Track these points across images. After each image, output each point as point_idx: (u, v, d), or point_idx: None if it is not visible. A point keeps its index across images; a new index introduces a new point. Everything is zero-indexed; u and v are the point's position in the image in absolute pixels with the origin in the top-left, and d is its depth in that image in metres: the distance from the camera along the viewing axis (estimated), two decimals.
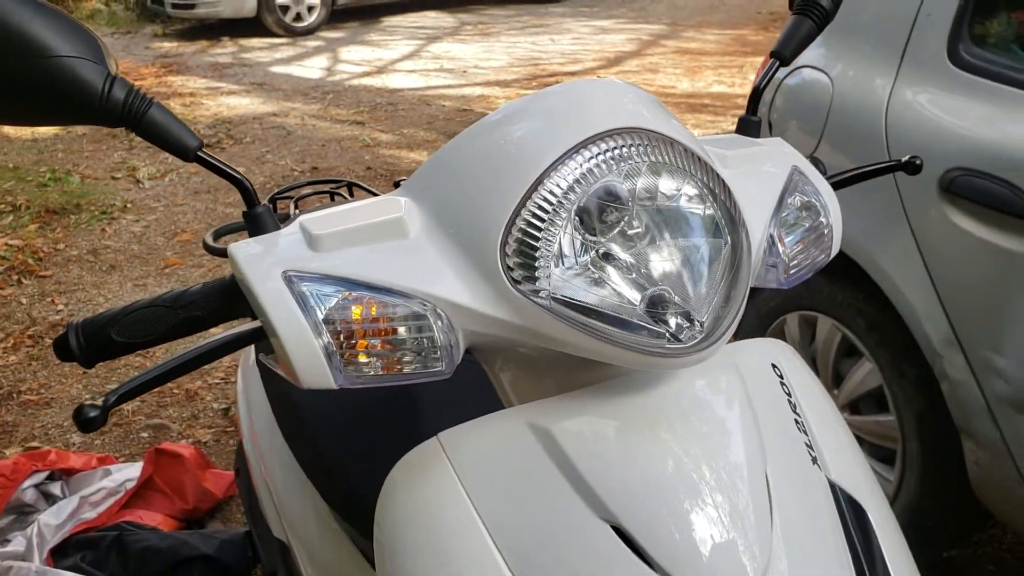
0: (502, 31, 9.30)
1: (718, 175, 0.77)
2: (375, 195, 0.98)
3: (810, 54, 2.04)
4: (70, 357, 0.78)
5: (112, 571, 2.03)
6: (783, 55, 1.00)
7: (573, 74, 7.26)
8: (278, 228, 0.80)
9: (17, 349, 3.26)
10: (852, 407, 2.00)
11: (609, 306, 0.73)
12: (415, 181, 0.82)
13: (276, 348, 0.73)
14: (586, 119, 0.75)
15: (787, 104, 2.13)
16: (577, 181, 0.72)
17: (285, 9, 8.98)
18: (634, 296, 0.73)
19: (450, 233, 0.76)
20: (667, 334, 0.73)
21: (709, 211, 0.76)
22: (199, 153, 0.77)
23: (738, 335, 0.84)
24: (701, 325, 0.74)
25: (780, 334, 2.19)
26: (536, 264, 0.72)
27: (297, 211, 1.57)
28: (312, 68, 7.78)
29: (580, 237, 0.73)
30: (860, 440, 1.84)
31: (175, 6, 8.96)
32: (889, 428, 1.91)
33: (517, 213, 0.72)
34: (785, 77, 2.12)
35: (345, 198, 1.70)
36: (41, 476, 2.32)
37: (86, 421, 0.69)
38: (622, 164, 0.73)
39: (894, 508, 1.38)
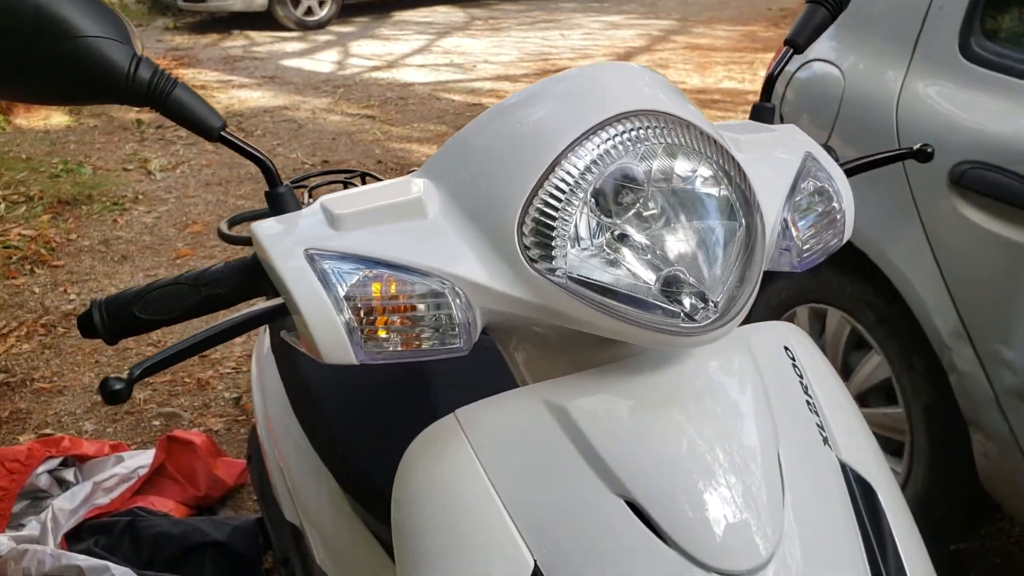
0: (512, 26, 9.31)
1: (733, 158, 0.78)
2: None
3: (821, 47, 2.04)
4: (94, 334, 0.79)
5: (125, 555, 2.05)
6: (797, 43, 1.01)
7: None
8: (299, 208, 0.81)
9: (30, 337, 3.29)
10: (861, 400, 2.01)
11: (624, 286, 0.73)
12: (433, 163, 0.83)
13: (298, 325, 0.74)
14: (602, 101, 0.75)
15: (798, 97, 2.13)
16: (593, 163, 0.73)
17: (296, 3, 9.02)
18: (649, 276, 0.74)
19: (468, 213, 0.77)
20: (681, 314, 0.74)
21: (724, 193, 0.76)
22: (223, 133, 0.78)
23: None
24: (715, 305, 0.75)
25: None
26: (553, 244, 0.73)
27: (311, 199, 1.58)
28: (323, 62, 7.80)
29: (596, 218, 0.74)
30: None
31: None
32: (898, 420, 1.91)
33: (534, 194, 0.73)
34: (796, 70, 2.12)
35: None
36: (55, 462, 2.35)
37: (112, 393, 0.70)
38: (638, 146, 0.74)
39: None
